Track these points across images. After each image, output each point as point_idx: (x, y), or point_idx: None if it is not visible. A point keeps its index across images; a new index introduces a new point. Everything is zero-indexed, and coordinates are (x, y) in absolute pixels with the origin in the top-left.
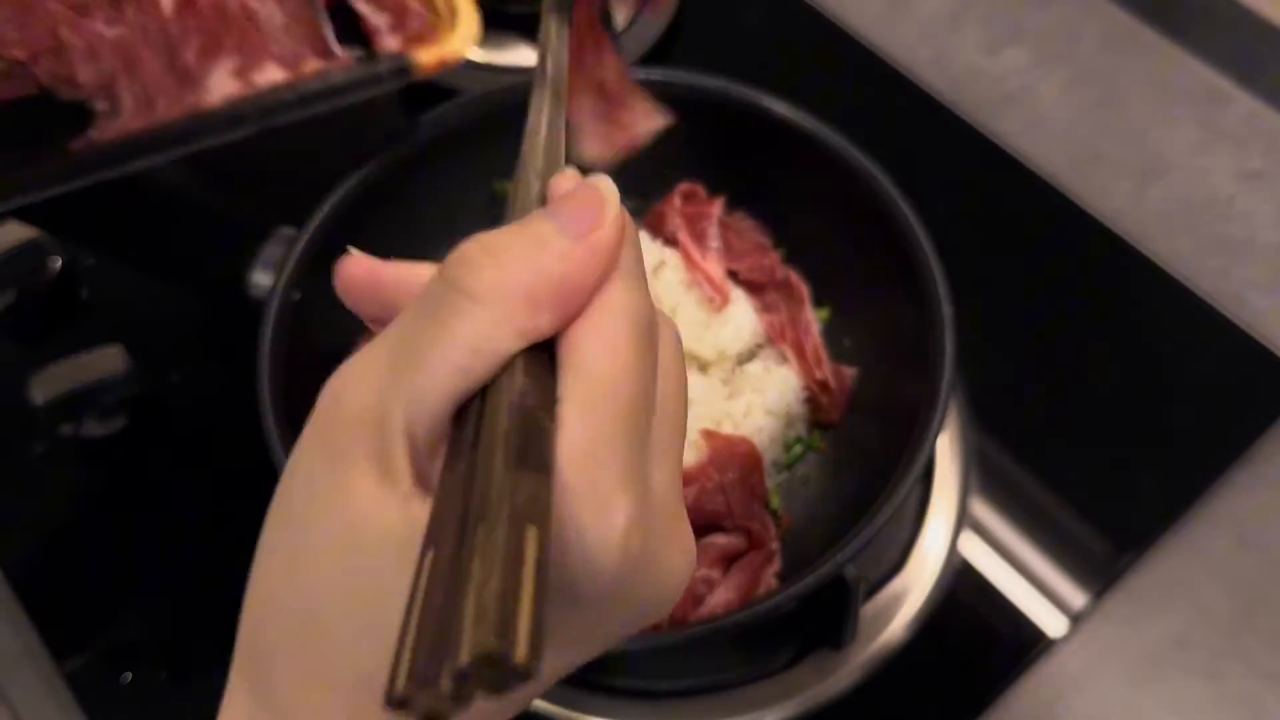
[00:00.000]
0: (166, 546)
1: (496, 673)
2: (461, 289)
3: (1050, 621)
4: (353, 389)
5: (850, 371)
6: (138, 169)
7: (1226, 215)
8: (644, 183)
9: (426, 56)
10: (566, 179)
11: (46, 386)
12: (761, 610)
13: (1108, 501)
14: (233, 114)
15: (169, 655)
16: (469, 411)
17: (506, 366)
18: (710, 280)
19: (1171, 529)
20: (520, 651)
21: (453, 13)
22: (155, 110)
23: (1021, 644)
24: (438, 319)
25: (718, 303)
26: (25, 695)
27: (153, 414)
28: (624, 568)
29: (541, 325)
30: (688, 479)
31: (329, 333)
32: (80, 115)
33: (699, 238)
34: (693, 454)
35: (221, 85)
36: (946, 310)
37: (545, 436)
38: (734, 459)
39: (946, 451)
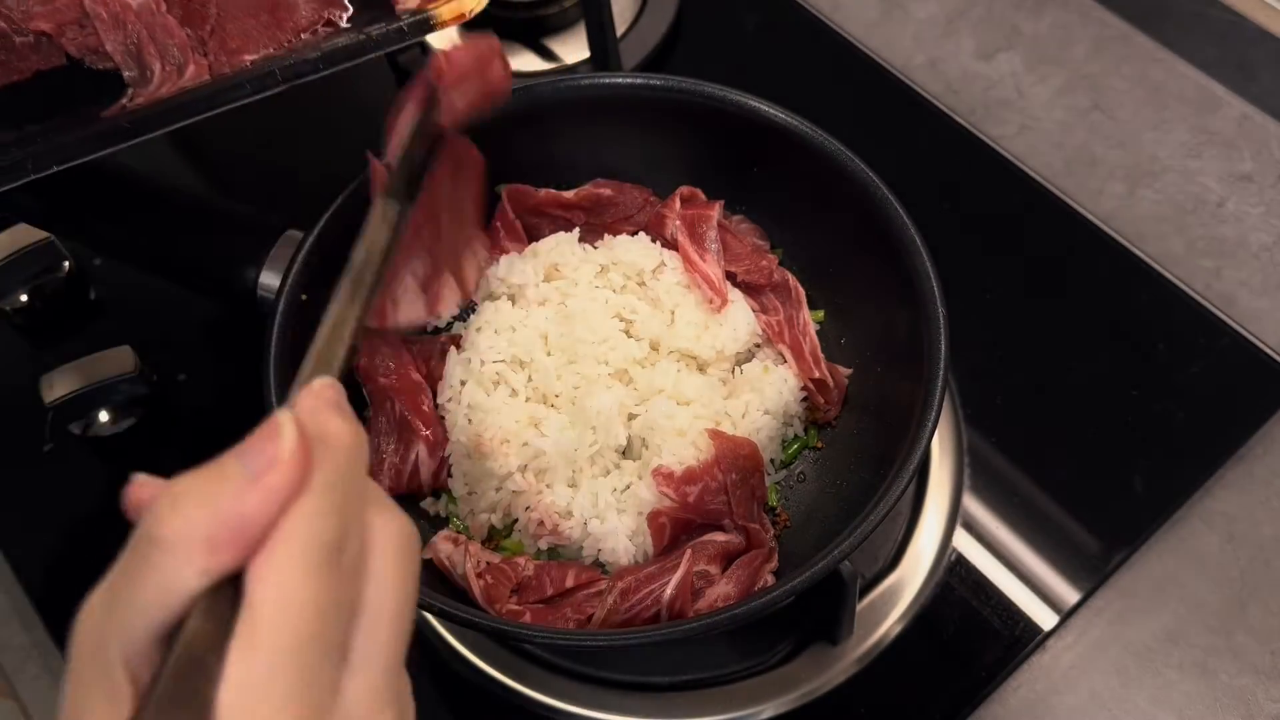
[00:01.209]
0: None
1: None
2: (150, 538)
3: (1043, 617)
4: (85, 624)
5: (846, 371)
6: (171, 129)
7: (1218, 217)
8: (645, 185)
9: (445, 11)
10: (308, 396)
11: (57, 386)
12: (759, 605)
13: (1100, 499)
14: (261, 74)
15: None
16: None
17: (195, 605)
18: (709, 281)
19: (1163, 526)
20: None
21: None
22: (184, 75)
23: (1015, 639)
24: (135, 563)
25: (716, 304)
26: (34, 690)
27: (161, 413)
28: None
29: (223, 563)
30: (692, 477)
31: None
32: (111, 84)
33: (698, 240)
34: (692, 453)
35: (248, 48)
36: (940, 311)
37: (209, 677)
38: (737, 460)
39: (940, 450)
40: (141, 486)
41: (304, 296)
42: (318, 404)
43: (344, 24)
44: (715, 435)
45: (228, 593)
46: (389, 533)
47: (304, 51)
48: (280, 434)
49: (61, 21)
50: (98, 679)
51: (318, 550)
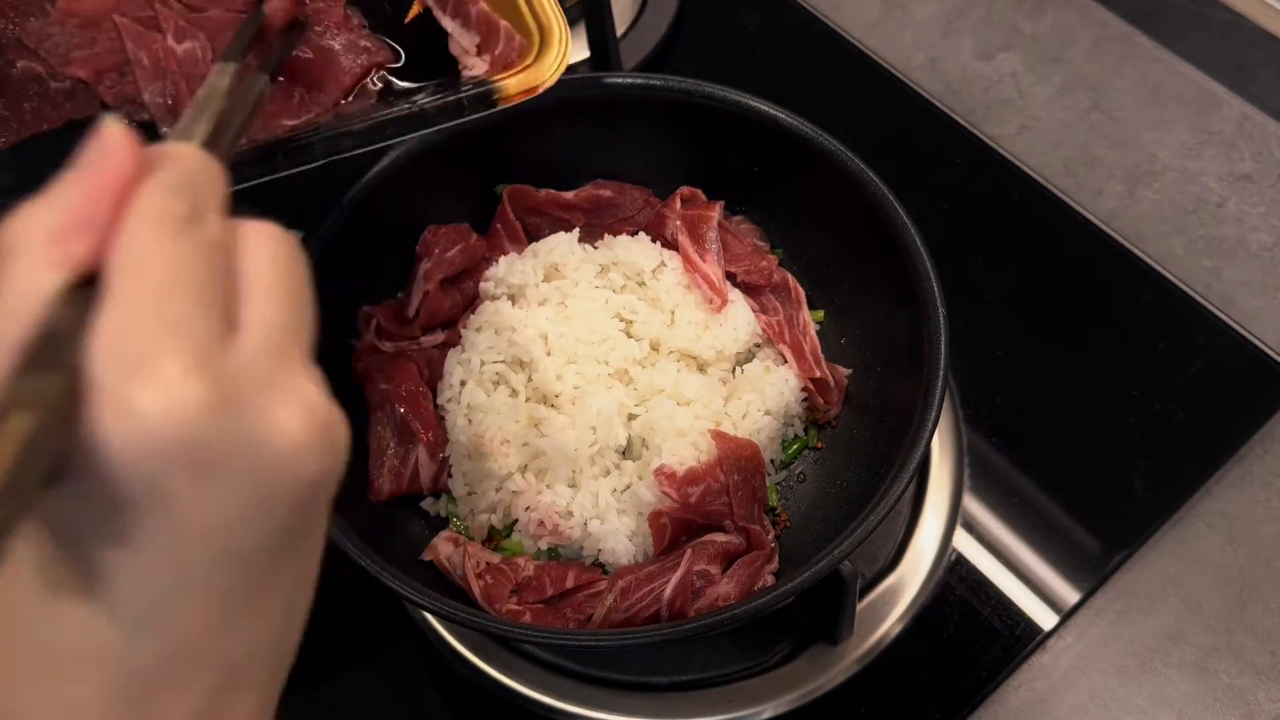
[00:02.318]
0: None
1: None
2: (2, 250)
3: (1043, 617)
4: None
5: (846, 371)
6: None
7: (1218, 217)
8: (645, 185)
9: (513, 84)
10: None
11: None
12: (759, 604)
13: (1100, 499)
14: (296, 146)
15: None
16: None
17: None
18: (709, 282)
19: (1163, 526)
20: None
21: (543, 33)
22: None
23: (1015, 639)
24: None
25: (716, 304)
26: None
27: None
28: (174, 434)
29: (74, 251)
30: (695, 478)
31: (333, 332)
32: (147, 137)
33: (698, 240)
34: (692, 453)
35: (287, 112)
36: (940, 311)
37: (71, 343)
38: (739, 461)
39: (940, 450)
40: None
41: None
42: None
43: (396, 82)
44: (718, 436)
45: (91, 292)
46: (260, 237)
47: (349, 120)
48: (103, 130)
49: (101, 68)
50: None
51: (170, 220)
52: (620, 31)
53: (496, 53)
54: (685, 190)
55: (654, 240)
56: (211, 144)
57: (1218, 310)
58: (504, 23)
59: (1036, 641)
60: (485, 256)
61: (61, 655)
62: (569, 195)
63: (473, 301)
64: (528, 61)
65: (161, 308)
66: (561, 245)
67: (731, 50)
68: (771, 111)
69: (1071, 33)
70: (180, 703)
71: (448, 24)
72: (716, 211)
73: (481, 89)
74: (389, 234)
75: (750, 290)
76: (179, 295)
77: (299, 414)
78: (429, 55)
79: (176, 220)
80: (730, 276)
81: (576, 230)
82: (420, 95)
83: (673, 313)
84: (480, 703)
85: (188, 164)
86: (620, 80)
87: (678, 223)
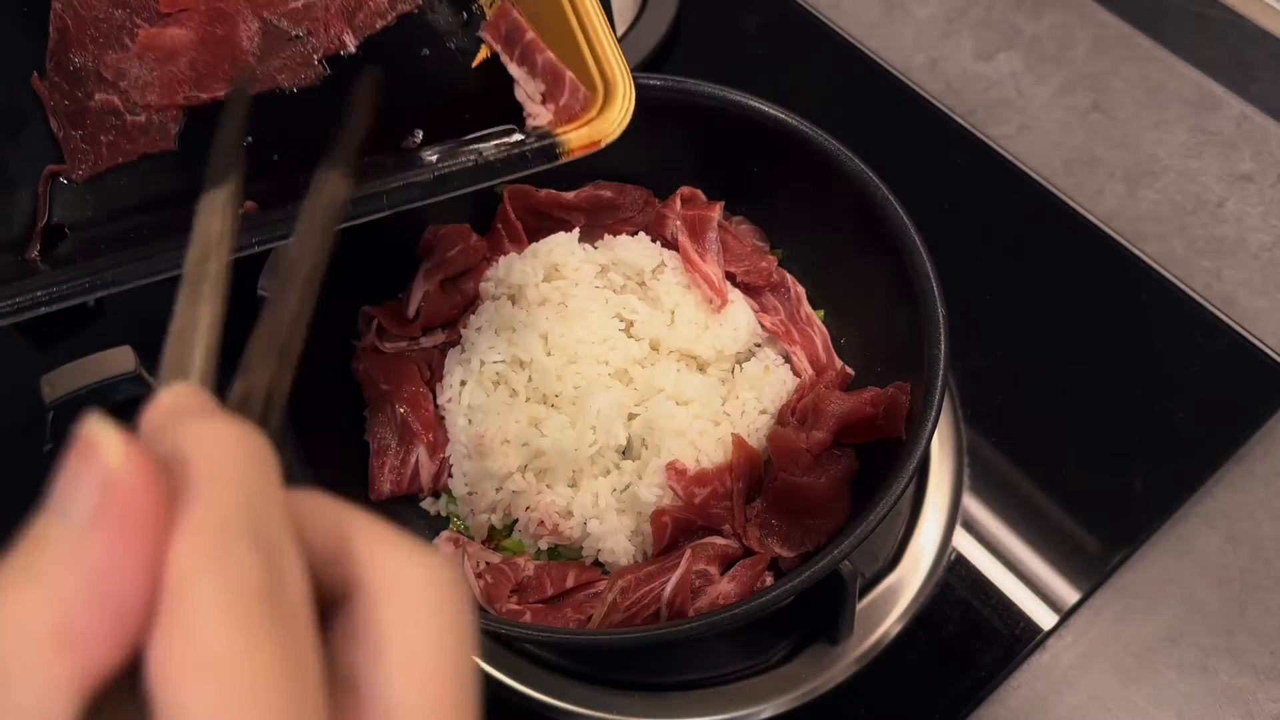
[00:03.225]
0: None
1: None
2: None
3: (1043, 617)
4: None
5: (849, 371)
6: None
7: (1218, 217)
8: (645, 185)
9: (576, 138)
10: (153, 410)
11: (57, 386)
12: (759, 604)
13: (1100, 499)
14: (371, 193)
15: None
16: None
17: None
18: (709, 281)
19: (1163, 526)
20: None
21: (607, 86)
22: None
23: (1014, 639)
24: None
25: (716, 304)
26: None
27: None
28: None
29: (93, 662)
30: (704, 479)
31: (333, 333)
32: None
33: (698, 240)
34: (691, 453)
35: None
36: (940, 311)
37: None
38: (751, 470)
39: (940, 449)
40: None
41: None
42: (171, 414)
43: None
44: (740, 444)
45: (125, 697)
46: (399, 577)
47: (418, 173)
48: (96, 445)
49: (177, 102)
50: None
51: (243, 604)
52: (620, 32)
53: (561, 103)
54: (685, 190)
55: (654, 240)
56: (248, 386)
57: (1218, 310)
58: (569, 73)
59: (1036, 641)
60: (485, 256)
61: None
62: (569, 195)
63: (473, 302)
64: (591, 115)
65: None
66: (561, 245)
67: (731, 50)
68: (771, 111)
69: (1071, 33)
70: None
71: (514, 70)
72: (717, 212)
73: (545, 142)
74: (389, 234)
75: (750, 290)
76: None
77: None
78: (496, 99)
79: (253, 600)
80: (730, 276)
81: (576, 230)
82: (484, 144)
83: (673, 313)
84: (480, 703)
85: (231, 462)
86: None
87: (678, 223)
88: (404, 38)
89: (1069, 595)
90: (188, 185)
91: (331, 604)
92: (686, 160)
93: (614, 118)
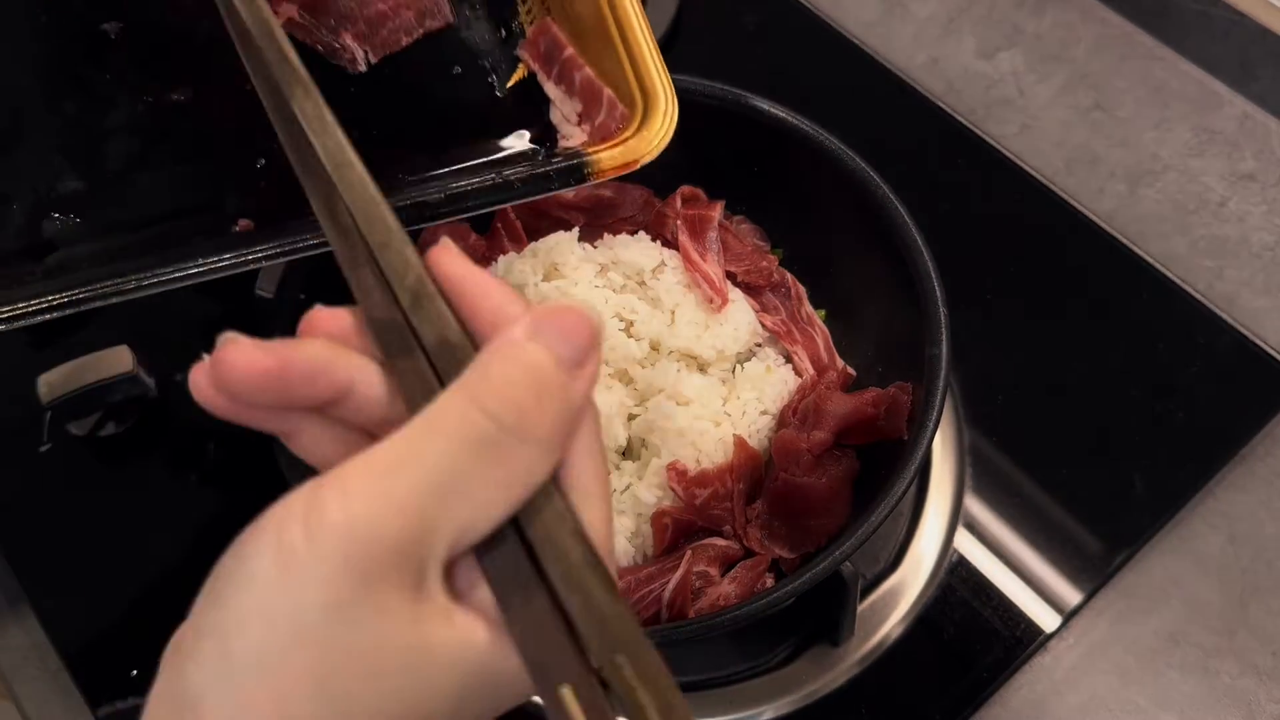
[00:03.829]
0: (172, 544)
1: None
2: (515, 433)
3: (1044, 618)
4: (378, 520)
5: (850, 371)
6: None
7: (1220, 216)
8: (645, 185)
9: (608, 158)
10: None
11: (54, 386)
12: (759, 605)
13: (1101, 499)
14: (398, 214)
15: None
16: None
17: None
18: (709, 281)
19: (1164, 527)
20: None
21: (647, 101)
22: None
23: (1016, 640)
24: (490, 458)
25: (717, 303)
26: (32, 691)
27: (159, 413)
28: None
29: (562, 453)
30: (705, 480)
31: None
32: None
33: (699, 239)
34: (691, 453)
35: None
36: (941, 311)
37: (597, 559)
38: (752, 472)
39: (941, 450)
40: (251, 352)
41: (302, 296)
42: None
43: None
44: (741, 445)
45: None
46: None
47: (436, 189)
48: (591, 325)
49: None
50: (400, 580)
51: (599, 439)
52: None
53: (597, 122)
54: (686, 190)
55: (654, 240)
56: None
57: (1219, 310)
58: (607, 90)
59: (1038, 642)
60: (485, 255)
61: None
62: (569, 195)
63: None
64: (628, 134)
65: (607, 519)
66: (561, 244)
67: (731, 50)
68: (772, 111)
69: (1073, 31)
70: None
71: (551, 90)
72: (717, 212)
73: (572, 162)
74: None
75: (750, 290)
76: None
77: None
78: (530, 120)
79: (598, 434)
80: (731, 276)
81: (576, 229)
82: (510, 164)
83: (673, 312)
84: None
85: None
86: None
87: (678, 222)
88: (436, 54)
89: (1071, 596)
90: (180, 203)
91: None
92: (686, 159)
93: (652, 136)
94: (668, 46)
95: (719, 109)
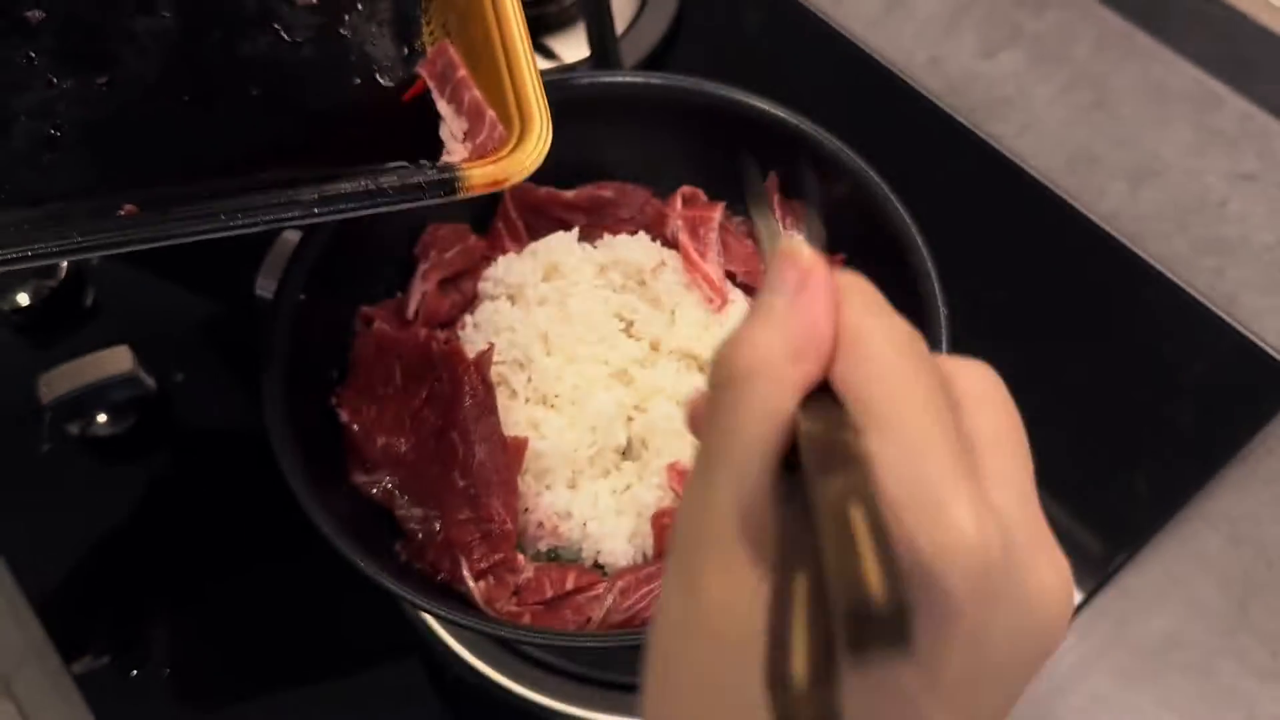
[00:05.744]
0: (172, 544)
1: (868, 628)
2: (730, 382)
3: None
4: (683, 516)
5: None
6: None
7: (1220, 216)
8: (645, 185)
9: (479, 175)
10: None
11: (54, 386)
12: None
13: (1101, 500)
14: (249, 206)
15: (175, 652)
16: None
17: (800, 419)
18: (709, 281)
19: (1165, 527)
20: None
21: (524, 123)
22: None
23: None
24: (723, 416)
25: (717, 303)
26: (32, 691)
27: (159, 413)
28: (981, 556)
29: (809, 373)
30: None
31: (330, 333)
32: None
33: (699, 239)
34: (691, 453)
35: None
36: (941, 311)
37: (860, 463)
38: None
39: None
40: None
41: (302, 296)
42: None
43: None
44: None
45: (824, 398)
46: (974, 378)
47: (310, 191)
48: (795, 253)
49: None
50: (715, 562)
51: (898, 341)
52: (620, 30)
53: (479, 140)
54: (686, 190)
55: (654, 240)
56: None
57: (1220, 310)
58: (490, 111)
59: None
60: (485, 256)
61: None
62: (569, 194)
63: (472, 302)
64: (502, 153)
65: (935, 445)
66: (561, 245)
67: (731, 49)
68: (772, 110)
69: (1073, 31)
70: None
71: (443, 108)
72: (717, 212)
73: (444, 175)
74: (388, 234)
75: (751, 290)
76: (942, 431)
77: (1059, 582)
78: (419, 135)
79: (904, 338)
80: (730, 276)
81: (576, 230)
82: (388, 173)
83: (673, 312)
84: (480, 704)
85: (868, 285)
86: (620, 79)
87: (678, 222)
88: (336, 64)
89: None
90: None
91: None
92: (686, 160)
93: (524, 157)
94: (668, 46)
95: (719, 109)
